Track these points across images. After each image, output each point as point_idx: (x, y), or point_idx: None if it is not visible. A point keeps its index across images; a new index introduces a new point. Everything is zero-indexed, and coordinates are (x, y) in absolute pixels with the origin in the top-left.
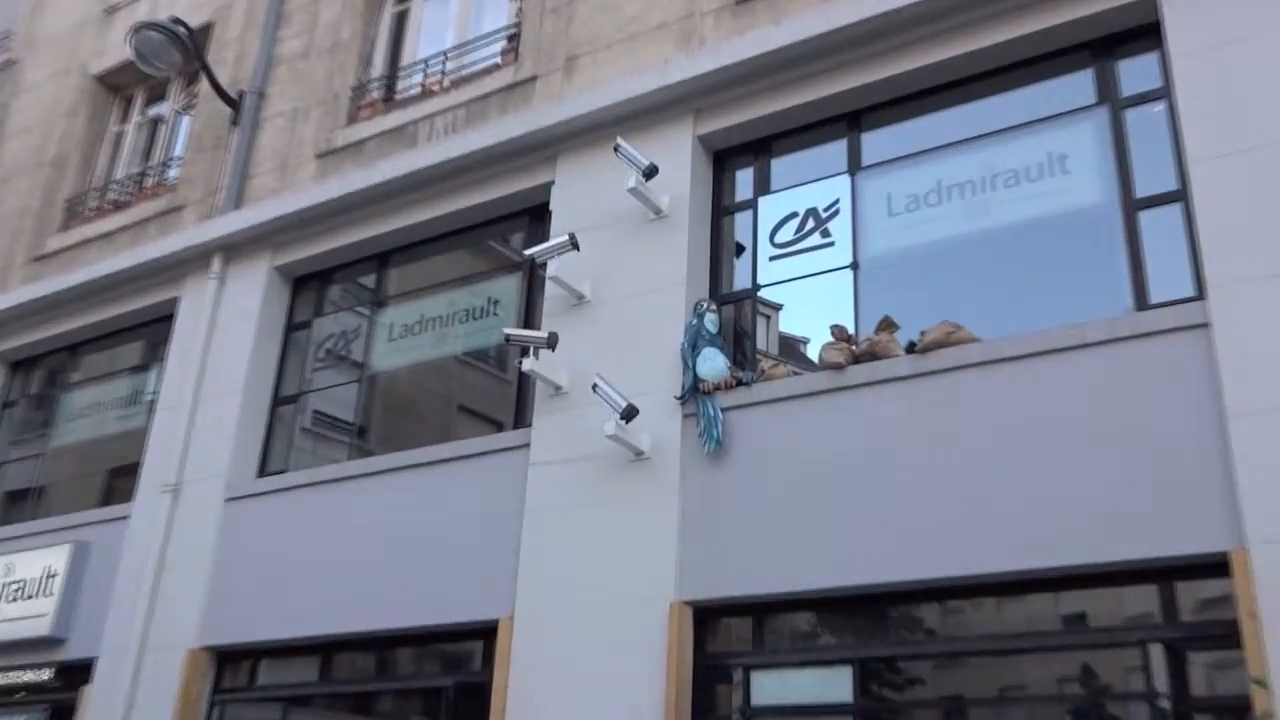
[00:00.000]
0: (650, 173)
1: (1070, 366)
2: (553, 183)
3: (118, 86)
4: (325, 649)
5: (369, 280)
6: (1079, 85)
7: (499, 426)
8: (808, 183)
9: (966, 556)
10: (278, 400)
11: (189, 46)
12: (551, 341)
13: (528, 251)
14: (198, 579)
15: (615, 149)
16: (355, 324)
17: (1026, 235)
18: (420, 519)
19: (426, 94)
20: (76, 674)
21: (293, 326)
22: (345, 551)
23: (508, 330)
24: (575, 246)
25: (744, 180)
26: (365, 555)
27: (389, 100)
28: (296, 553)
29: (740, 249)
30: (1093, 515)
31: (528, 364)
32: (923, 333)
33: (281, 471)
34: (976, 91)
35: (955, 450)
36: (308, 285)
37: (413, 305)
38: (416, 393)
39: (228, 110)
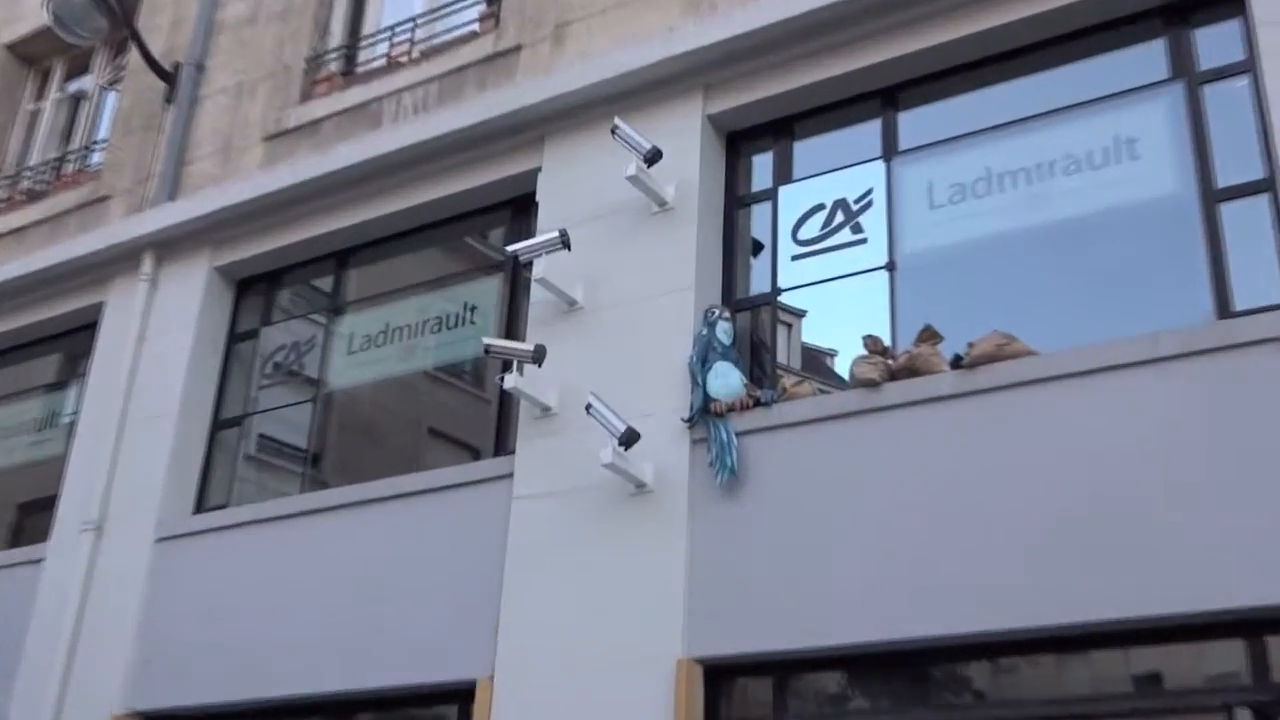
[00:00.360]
0: (653, 158)
1: (1142, 384)
2: (539, 170)
3: (33, 58)
4: (272, 715)
5: (325, 283)
6: (1150, 57)
7: (476, 454)
8: (836, 170)
9: (1022, 607)
10: (218, 423)
11: (116, 11)
12: (538, 354)
13: (510, 249)
14: (124, 633)
15: (612, 131)
16: (309, 334)
17: (1090, 231)
18: (384, 562)
19: (393, 66)
20: None
21: (236, 337)
22: (296, 601)
23: (487, 341)
24: (565, 244)
25: (762, 167)
26: (320, 605)
27: (349, 74)
28: (239, 602)
29: (758, 247)
30: (1169, 558)
31: (510, 381)
32: (970, 344)
33: (222, 506)
34: (1031, 64)
35: (1009, 482)
36: (254, 289)
37: (376, 312)
38: (380, 414)
39: (161, 85)
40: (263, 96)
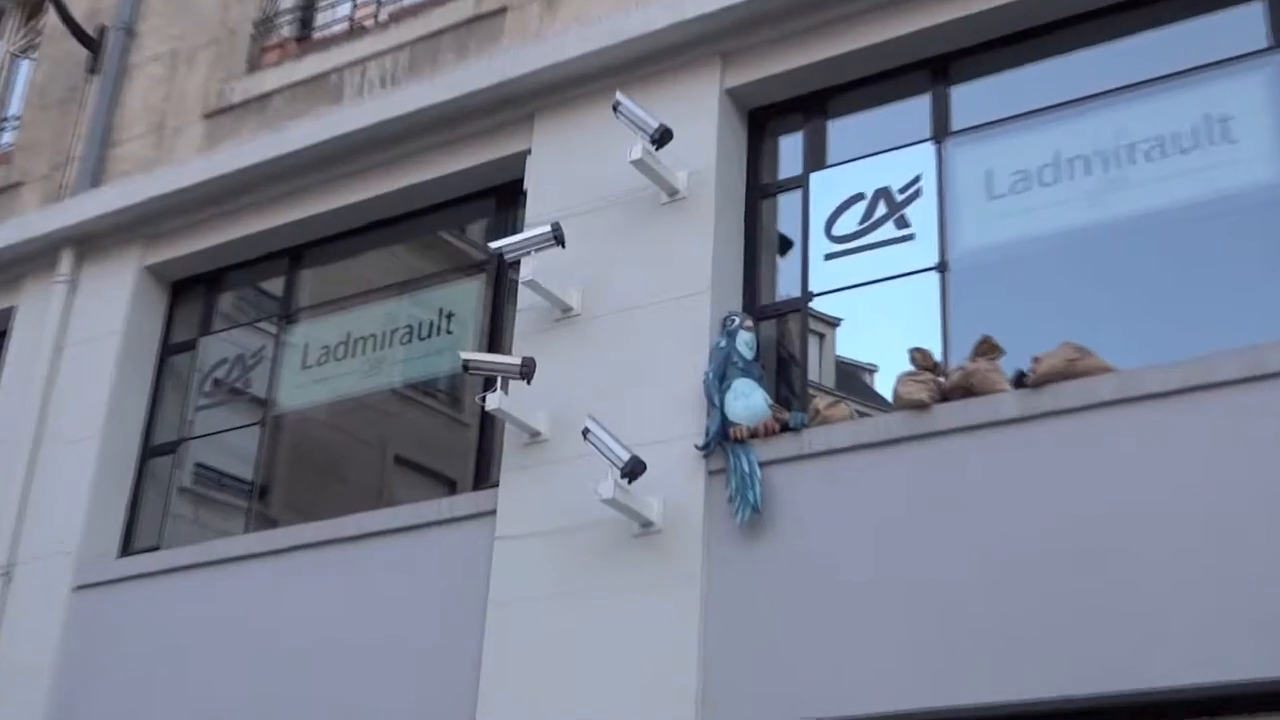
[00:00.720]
0: (661, 139)
1: (1239, 406)
2: (528, 153)
3: None
4: None
5: (275, 286)
6: (1246, 23)
7: (452, 487)
8: (878, 153)
9: (1097, 670)
10: (148, 450)
11: None
12: (526, 369)
13: (494, 246)
14: (35, 698)
15: (614, 108)
16: (256, 345)
17: (1176, 225)
18: (342, 616)
19: (356, 31)
20: None
21: (170, 348)
22: (239, 660)
23: (466, 355)
24: (559, 241)
25: (790, 150)
26: (267, 666)
27: (304, 40)
28: (171, 662)
29: (786, 244)
30: (1272, 614)
31: (493, 401)
32: (1036, 359)
33: (153, 549)
34: (1108, 30)
35: (1081, 521)
36: (191, 292)
37: (335, 320)
38: (340, 440)
39: (83, 53)
40: (203, 66)
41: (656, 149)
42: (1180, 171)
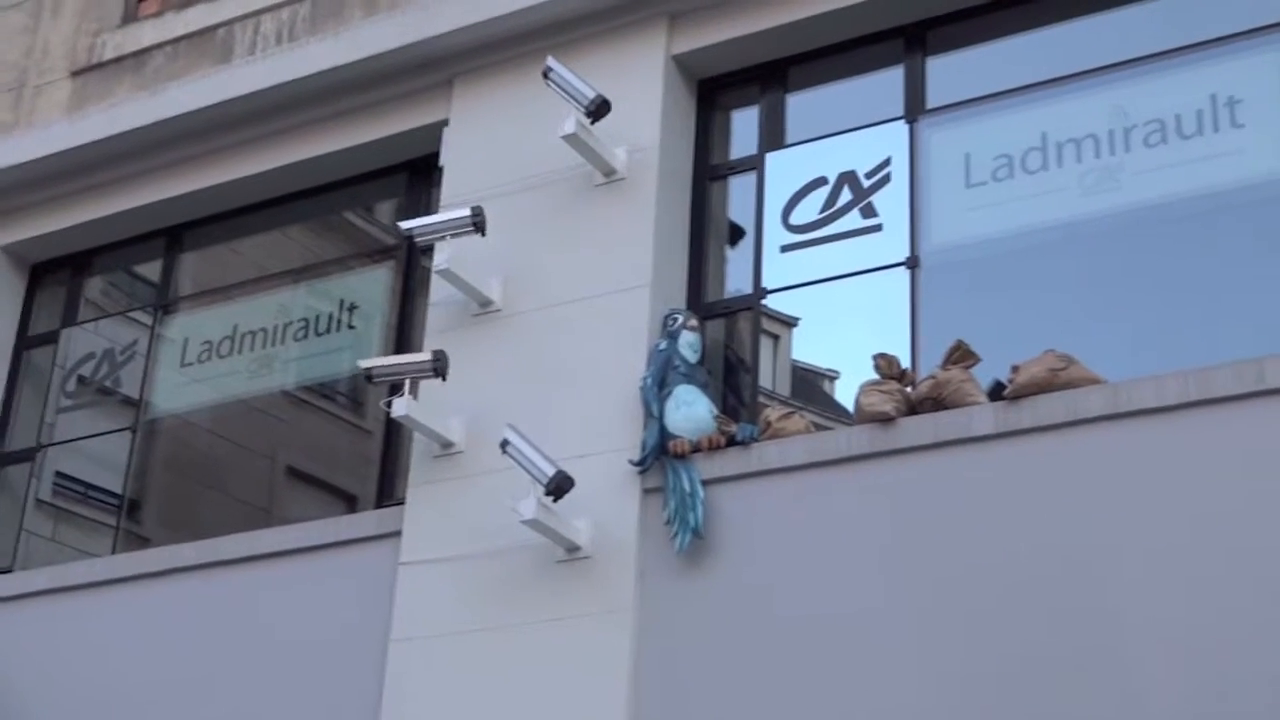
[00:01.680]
0: (598, 111)
1: (1238, 424)
2: (445, 123)
3: None
4: None
5: (151, 270)
6: None
7: (351, 503)
8: (843, 132)
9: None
10: (1, 457)
11: None
12: (439, 365)
13: (404, 227)
14: None
15: (545, 74)
16: (128, 339)
17: (1176, 221)
18: (222, 650)
19: None
20: None
21: (28, 341)
22: (102, 701)
23: (366, 363)
24: (478, 225)
25: (744, 126)
26: (134, 707)
27: None
28: (23, 702)
29: (737, 233)
30: (1274, 642)
31: (400, 406)
32: (1015, 368)
33: (5, 571)
34: None
35: (1062, 551)
36: (53, 277)
37: (219, 311)
38: (223, 449)
39: None
40: (70, 15)
41: (592, 123)
42: (1182, 160)
